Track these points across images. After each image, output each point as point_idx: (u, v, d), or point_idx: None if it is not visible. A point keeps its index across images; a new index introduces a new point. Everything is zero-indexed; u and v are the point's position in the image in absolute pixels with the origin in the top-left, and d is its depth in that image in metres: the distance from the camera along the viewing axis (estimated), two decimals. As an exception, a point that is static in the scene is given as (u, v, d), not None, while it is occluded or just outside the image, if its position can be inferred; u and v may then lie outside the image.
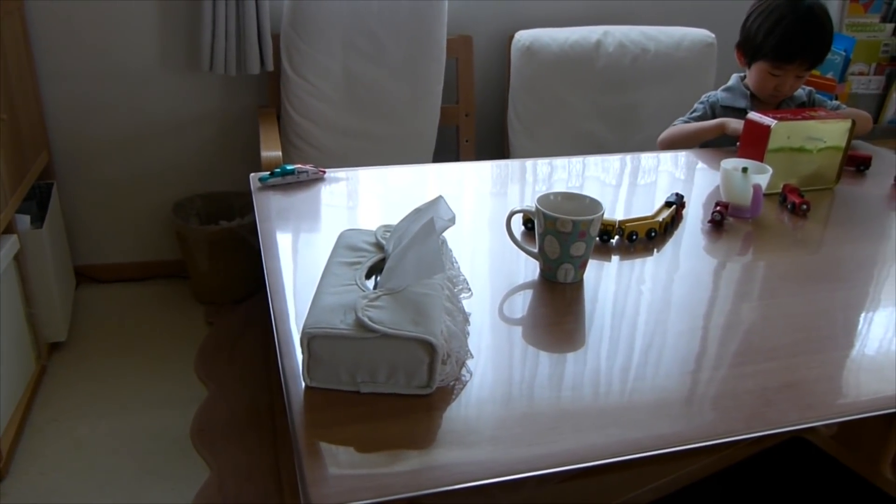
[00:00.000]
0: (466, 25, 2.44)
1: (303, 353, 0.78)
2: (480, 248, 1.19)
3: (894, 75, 2.81)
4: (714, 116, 1.81)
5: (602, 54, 2.40)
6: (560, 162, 1.60)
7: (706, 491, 1.62)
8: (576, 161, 1.62)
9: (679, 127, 1.81)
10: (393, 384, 0.79)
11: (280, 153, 2.01)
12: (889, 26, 2.78)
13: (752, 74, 1.79)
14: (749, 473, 1.67)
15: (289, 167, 1.37)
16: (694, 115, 1.84)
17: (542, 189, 1.46)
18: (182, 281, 2.52)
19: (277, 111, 2.31)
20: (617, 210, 1.37)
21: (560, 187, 1.47)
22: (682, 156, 1.69)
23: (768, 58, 1.72)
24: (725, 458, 1.65)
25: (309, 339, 0.77)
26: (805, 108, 1.73)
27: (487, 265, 1.14)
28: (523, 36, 2.38)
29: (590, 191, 1.44)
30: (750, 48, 1.76)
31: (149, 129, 2.38)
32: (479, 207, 1.37)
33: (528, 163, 1.61)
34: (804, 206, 1.37)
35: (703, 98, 1.86)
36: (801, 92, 1.86)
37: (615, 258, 1.17)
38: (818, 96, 1.89)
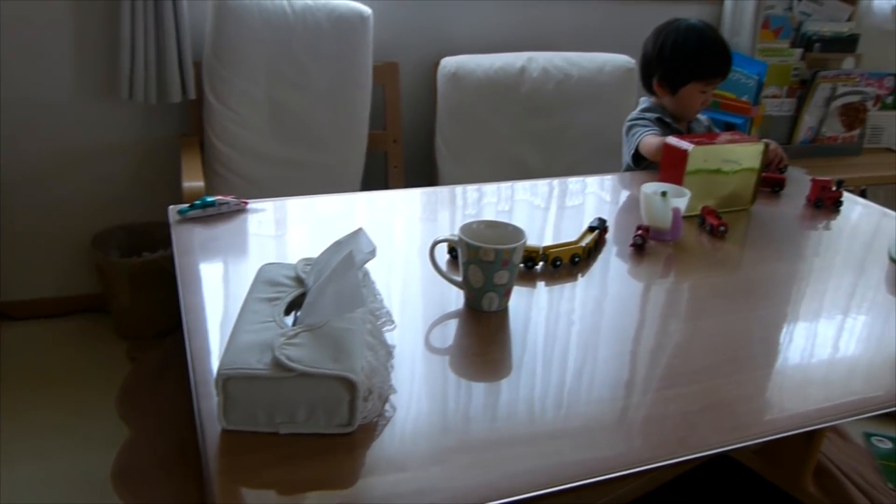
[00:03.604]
0: (392, 52, 2.44)
1: (218, 394, 0.76)
2: (412, 277, 1.18)
3: (805, 98, 2.93)
4: (661, 130, 1.84)
5: (527, 80, 2.43)
6: (489, 188, 1.61)
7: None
8: (505, 186, 1.62)
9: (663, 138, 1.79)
10: (313, 424, 0.77)
11: (203, 183, 1.97)
12: (798, 51, 2.91)
13: (679, 99, 1.86)
14: (677, 493, 1.69)
15: (209, 199, 1.34)
16: (655, 129, 1.84)
17: (473, 214, 1.46)
18: (103, 315, 2.43)
19: (200, 140, 2.26)
20: (547, 233, 1.38)
21: (490, 212, 1.48)
22: (608, 179, 1.72)
23: (702, 77, 1.82)
24: (654, 479, 1.67)
25: (224, 381, 0.75)
26: (717, 133, 1.79)
27: (420, 293, 1.13)
28: (449, 62, 2.39)
29: (519, 215, 1.46)
30: (680, 74, 1.83)
31: (66, 160, 2.30)
32: (409, 235, 1.36)
33: (458, 189, 1.61)
34: (722, 228, 1.41)
35: (637, 116, 1.91)
36: (703, 121, 1.98)
37: (541, 284, 1.18)
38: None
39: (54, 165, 2.29)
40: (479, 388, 0.91)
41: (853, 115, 3.02)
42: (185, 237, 1.27)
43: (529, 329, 1.04)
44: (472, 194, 1.58)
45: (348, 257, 0.82)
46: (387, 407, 0.84)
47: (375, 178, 2.50)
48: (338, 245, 0.91)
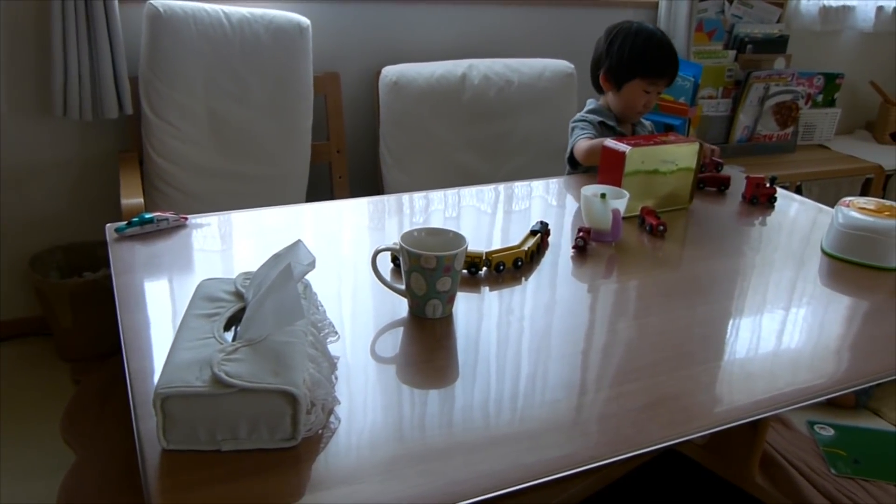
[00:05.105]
0: (333, 62, 2.43)
1: (156, 414, 0.74)
2: (361, 286, 1.17)
3: (739, 98, 3.01)
4: (599, 133, 1.88)
5: (468, 87, 2.45)
6: (436, 195, 1.61)
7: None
8: (451, 193, 1.63)
9: (599, 140, 1.77)
10: (256, 439, 0.76)
11: (142, 200, 1.93)
12: (731, 53, 2.99)
13: (623, 95, 1.90)
14: (629, 490, 1.71)
15: (147, 215, 1.32)
16: (590, 132, 1.87)
17: (420, 222, 1.46)
18: (43, 338, 2.36)
19: (140, 156, 2.22)
20: (494, 238, 1.39)
21: (437, 219, 1.48)
22: (553, 183, 1.74)
23: (645, 75, 1.86)
24: (603, 477, 1.68)
25: (162, 400, 0.73)
26: (655, 135, 1.83)
27: (370, 303, 1.12)
28: (390, 71, 2.40)
29: (466, 221, 1.47)
30: (624, 70, 1.87)
31: (-1, 180, 2.24)
32: (357, 245, 1.35)
33: (405, 197, 1.61)
34: (661, 228, 1.43)
35: (579, 118, 1.94)
36: (647, 125, 2.03)
37: (485, 289, 1.18)
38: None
39: (-13, 186, 2.23)
40: (428, 395, 0.90)
41: (786, 114, 3.11)
42: (125, 255, 1.24)
43: (480, 334, 1.04)
44: (419, 202, 1.58)
45: (286, 270, 0.82)
46: (332, 419, 0.83)
47: (320, 189, 2.49)
48: (276, 258, 0.90)
